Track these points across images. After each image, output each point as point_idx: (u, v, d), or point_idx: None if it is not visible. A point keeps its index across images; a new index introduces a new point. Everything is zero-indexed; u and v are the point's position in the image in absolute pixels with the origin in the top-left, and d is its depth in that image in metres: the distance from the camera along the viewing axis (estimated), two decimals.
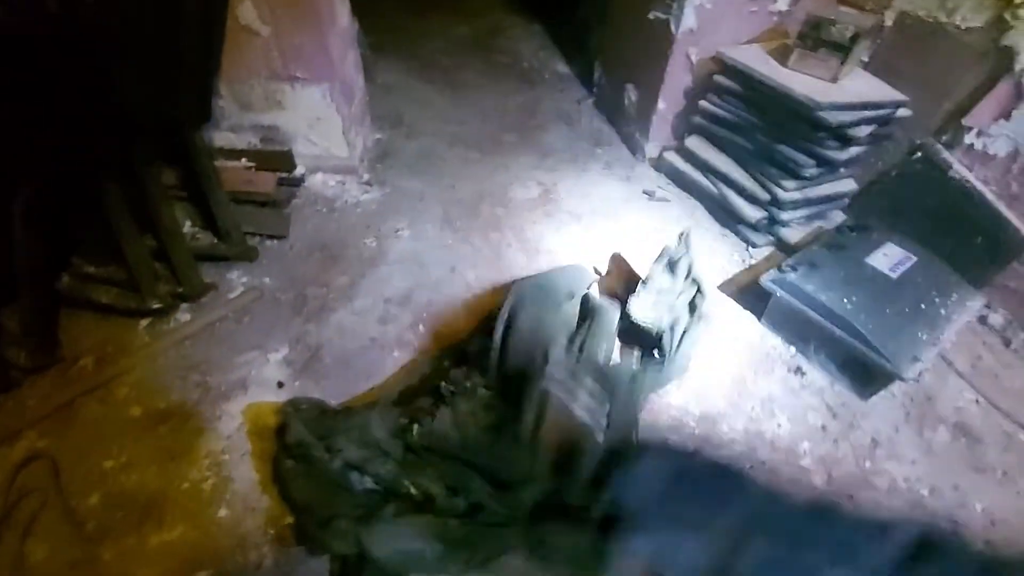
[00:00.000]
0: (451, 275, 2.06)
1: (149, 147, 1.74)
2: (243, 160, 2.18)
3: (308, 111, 2.16)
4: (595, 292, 1.84)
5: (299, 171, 2.33)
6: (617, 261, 2.16)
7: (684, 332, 1.71)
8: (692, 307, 1.78)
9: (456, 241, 2.21)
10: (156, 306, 1.75)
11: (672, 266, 1.86)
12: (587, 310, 1.73)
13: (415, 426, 1.41)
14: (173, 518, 1.35)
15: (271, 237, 2.09)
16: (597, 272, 1.97)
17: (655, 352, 1.72)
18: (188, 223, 2.00)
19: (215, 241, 1.96)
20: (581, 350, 1.58)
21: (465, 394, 1.49)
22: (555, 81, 3.35)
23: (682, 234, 1.90)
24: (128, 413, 1.55)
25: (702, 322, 1.77)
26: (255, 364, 1.70)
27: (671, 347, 1.68)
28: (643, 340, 1.76)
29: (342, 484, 1.32)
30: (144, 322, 1.77)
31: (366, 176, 2.43)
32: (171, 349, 1.71)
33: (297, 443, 1.39)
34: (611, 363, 1.67)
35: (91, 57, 1.41)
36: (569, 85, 3.31)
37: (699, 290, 1.81)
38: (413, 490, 1.33)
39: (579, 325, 1.68)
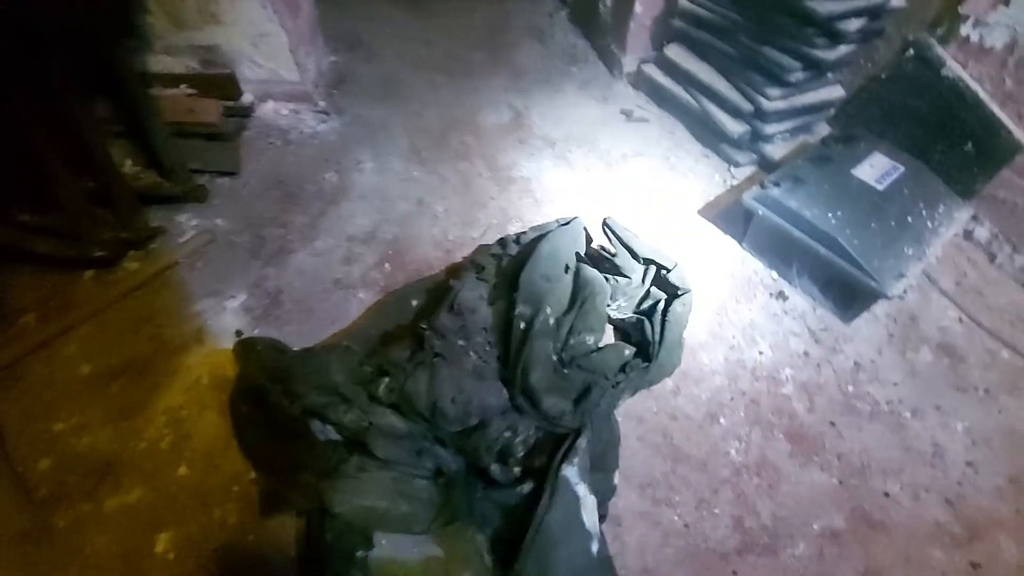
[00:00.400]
0: (418, 209, 1.94)
1: (70, 68, 1.55)
2: (182, 87, 1.97)
3: (248, 26, 1.94)
4: (587, 266, 1.67)
5: (247, 99, 2.12)
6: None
7: (664, 322, 1.54)
8: (668, 289, 1.64)
9: (423, 173, 2.06)
10: (99, 254, 1.62)
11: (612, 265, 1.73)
12: (579, 286, 1.59)
13: (384, 379, 1.32)
14: (130, 480, 1.28)
15: (221, 174, 1.93)
16: (589, 238, 1.79)
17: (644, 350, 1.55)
18: (128, 161, 1.83)
19: (159, 180, 1.80)
20: (570, 332, 1.49)
21: (453, 357, 1.38)
22: None
23: (605, 225, 1.77)
24: (77, 371, 1.45)
25: (683, 299, 1.59)
26: (211, 313, 1.60)
27: (654, 342, 1.51)
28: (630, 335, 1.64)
29: (302, 433, 1.24)
30: (89, 273, 1.64)
31: (322, 103, 2.24)
32: (120, 300, 1.59)
33: (253, 387, 1.31)
34: (600, 347, 1.54)
35: None
36: None
37: (660, 268, 1.67)
38: (379, 447, 1.24)
39: (571, 303, 1.56)
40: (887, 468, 1.45)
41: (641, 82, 2.47)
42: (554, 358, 1.43)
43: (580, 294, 1.57)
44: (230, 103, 2.07)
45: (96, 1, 1.58)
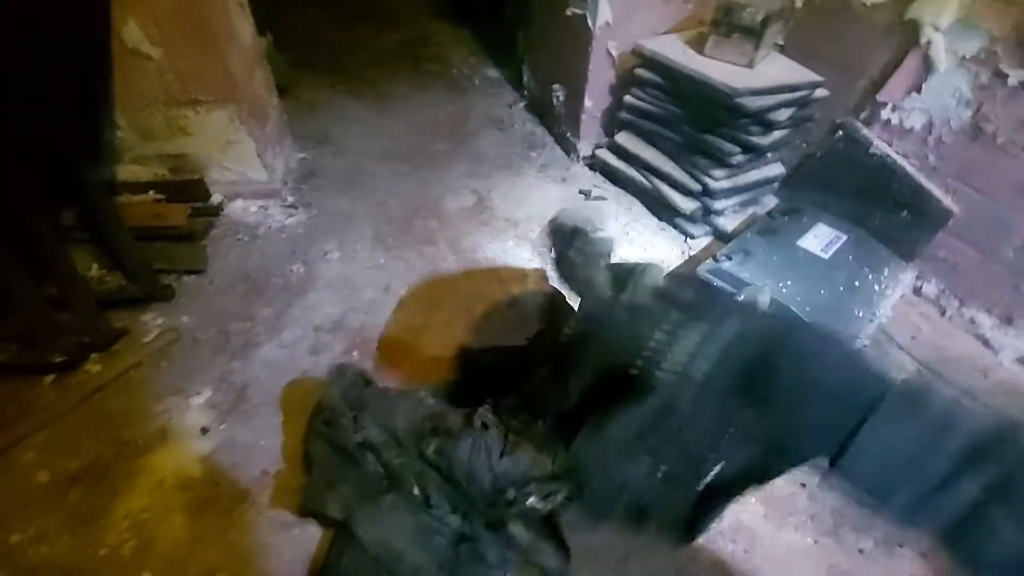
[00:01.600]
0: (385, 295, 2.02)
1: (37, 186, 1.65)
2: (151, 193, 2.09)
3: (217, 135, 2.08)
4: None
5: (216, 199, 2.24)
6: None
7: None
8: None
9: (389, 259, 2.17)
10: (59, 359, 1.65)
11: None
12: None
13: (435, 440, 1.39)
14: None
15: (188, 272, 2.01)
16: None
17: None
18: (95, 266, 1.91)
19: (124, 283, 1.87)
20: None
21: (492, 433, 1.40)
22: (485, 86, 3.34)
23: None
24: (34, 480, 1.45)
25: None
26: (175, 411, 1.62)
27: None
28: None
29: (356, 458, 1.37)
30: (49, 378, 1.66)
31: (290, 199, 2.36)
32: (80, 404, 1.61)
33: (330, 406, 1.45)
34: None
35: None
36: (500, 89, 3.31)
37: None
38: (416, 491, 1.35)
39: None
40: (859, 525, 1.50)
41: (596, 164, 2.66)
42: None
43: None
44: (199, 204, 2.18)
45: (64, 125, 1.71)
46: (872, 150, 2.06)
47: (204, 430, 1.58)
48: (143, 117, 1.99)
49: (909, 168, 2.02)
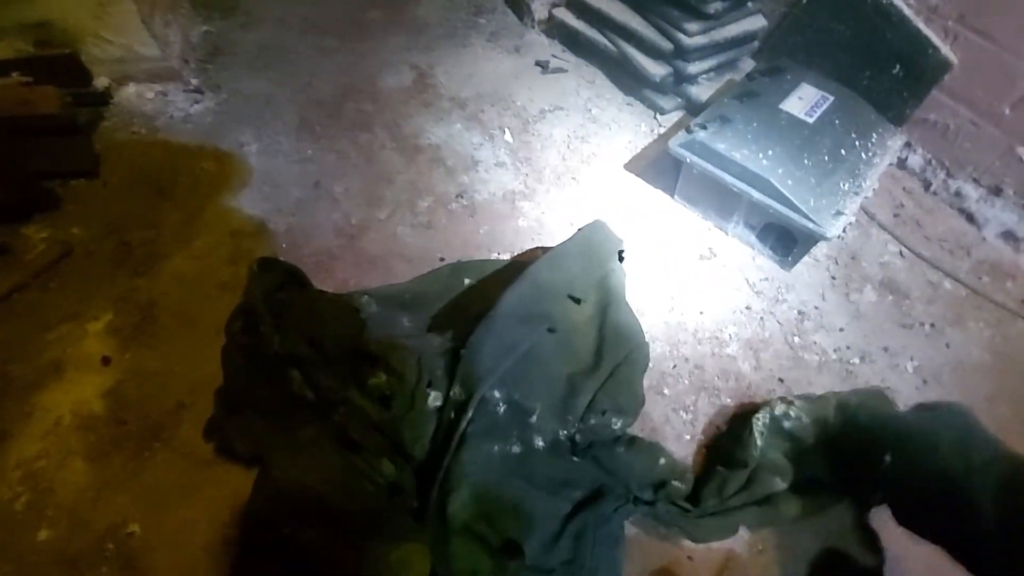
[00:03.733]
0: (314, 193, 1.70)
1: None
2: (14, 75, 1.65)
3: None
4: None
5: (102, 83, 1.81)
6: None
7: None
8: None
9: (318, 151, 1.81)
10: None
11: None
12: (606, 333, 1.28)
13: (383, 376, 1.12)
14: None
15: (75, 175, 1.64)
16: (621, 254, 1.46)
17: None
18: None
19: None
20: (591, 406, 1.19)
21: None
22: None
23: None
24: None
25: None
26: (70, 339, 1.34)
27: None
28: None
29: (278, 377, 1.10)
30: None
31: (194, 81, 1.93)
32: None
33: (249, 309, 1.19)
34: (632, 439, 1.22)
35: None
36: None
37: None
38: (347, 425, 1.10)
39: (596, 359, 1.25)
40: None
41: (555, 29, 2.26)
42: (516, 450, 1.11)
43: (607, 347, 1.24)
44: (79, 90, 1.75)
45: None
46: None
47: (106, 360, 1.31)
48: None
49: (907, 10, 1.70)
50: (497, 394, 1.12)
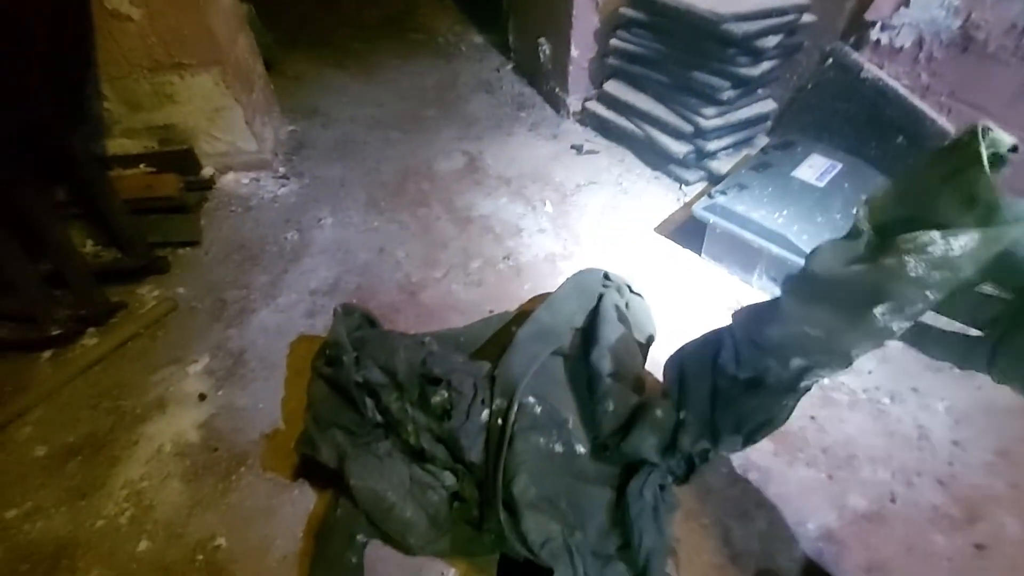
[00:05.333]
0: (379, 257, 1.88)
1: (26, 161, 1.53)
2: (141, 166, 1.94)
3: (203, 102, 1.93)
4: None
5: (208, 172, 2.10)
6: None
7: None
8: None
9: (382, 222, 2.03)
10: (56, 332, 1.54)
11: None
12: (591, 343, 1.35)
13: (442, 393, 1.23)
14: (86, 562, 1.16)
15: (183, 245, 1.88)
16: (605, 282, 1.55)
17: None
18: (89, 242, 1.78)
19: (119, 256, 1.74)
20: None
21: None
22: (472, 52, 3.14)
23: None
24: (31, 455, 1.34)
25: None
26: (173, 379, 1.51)
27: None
28: None
29: (354, 400, 1.23)
30: (46, 354, 1.56)
31: (282, 170, 2.22)
32: (78, 378, 1.50)
33: (334, 343, 1.30)
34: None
35: None
36: (486, 54, 3.12)
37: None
38: (413, 440, 1.21)
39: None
40: (875, 456, 1.37)
41: (587, 118, 2.49)
42: (559, 448, 1.16)
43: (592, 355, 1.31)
44: (191, 178, 2.04)
45: (46, 89, 1.57)
46: (863, 74, 1.88)
47: (202, 397, 1.46)
48: (129, 85, 1.84)
49: (902, 90, 1.84)
50: (531, 399, 1.22)
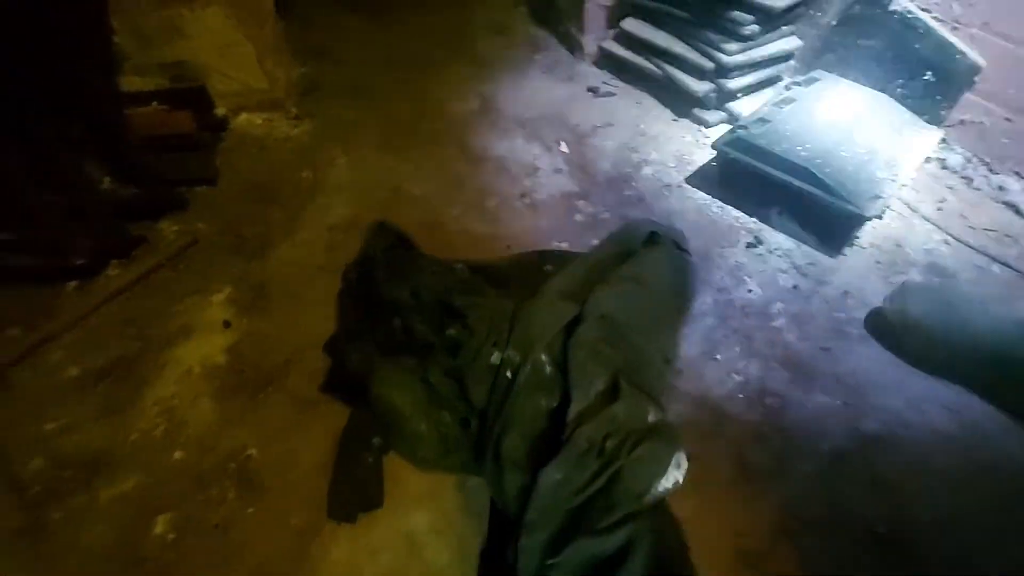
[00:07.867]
0: (396, 195, 1.92)
1: (43, 96, 1.56)
2: (154, 103, 1.98)
3: (214, 37, 1.95)
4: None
5: (221, 112, 2.13)
6: None
7: None
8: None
9: (397, 162, 2.06)
10: (80, 262, 1.60)
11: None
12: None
13: (457, 326, 1.28)
14: (124, 470, 1.24)
15: (199, 182, 1.92)
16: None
17: None
18: (107, 180, 1.83)
19: (137, 193, 1.79)
20: None
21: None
22: None
23: None
24: (64, 375, 1.42)
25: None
26: (197, 308, 1.57)
27: None
28: None
29: (384, 318, 1.31)
30: (72, 284, 1.62)
31: (294, 110, 2.24)
32: (104, 307, 1.56)
33: (368, 258, 1.40)
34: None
35: None
36: None
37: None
38: (431, 364, 1.28)
39: None
40: (886, 385, 1.42)
41: (604, 59, 2.49)
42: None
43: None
44: (204, 117, 2.07)
45: (63, 25, 1.59)
46: (892, 7, 1.87)
47: (227, 324, 1.53)
48: (138, 18, 1.87)
49: (932, 22, 1.83)
50: (544, 357, 1.23)
